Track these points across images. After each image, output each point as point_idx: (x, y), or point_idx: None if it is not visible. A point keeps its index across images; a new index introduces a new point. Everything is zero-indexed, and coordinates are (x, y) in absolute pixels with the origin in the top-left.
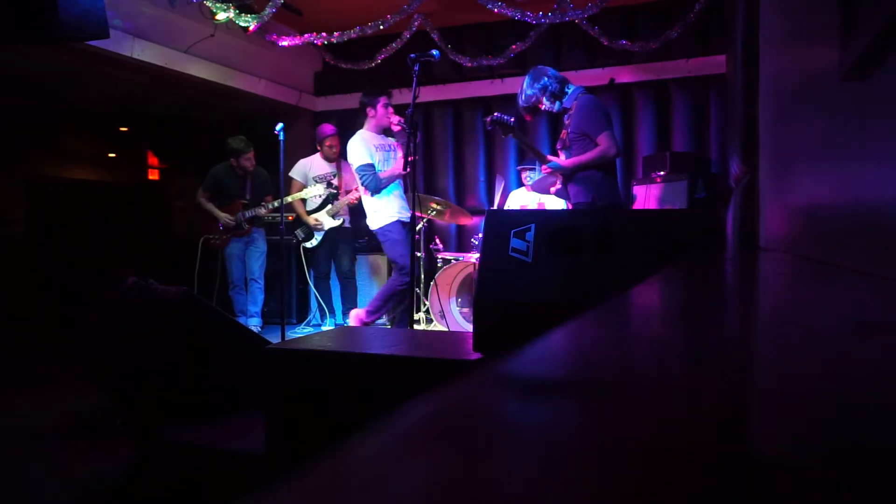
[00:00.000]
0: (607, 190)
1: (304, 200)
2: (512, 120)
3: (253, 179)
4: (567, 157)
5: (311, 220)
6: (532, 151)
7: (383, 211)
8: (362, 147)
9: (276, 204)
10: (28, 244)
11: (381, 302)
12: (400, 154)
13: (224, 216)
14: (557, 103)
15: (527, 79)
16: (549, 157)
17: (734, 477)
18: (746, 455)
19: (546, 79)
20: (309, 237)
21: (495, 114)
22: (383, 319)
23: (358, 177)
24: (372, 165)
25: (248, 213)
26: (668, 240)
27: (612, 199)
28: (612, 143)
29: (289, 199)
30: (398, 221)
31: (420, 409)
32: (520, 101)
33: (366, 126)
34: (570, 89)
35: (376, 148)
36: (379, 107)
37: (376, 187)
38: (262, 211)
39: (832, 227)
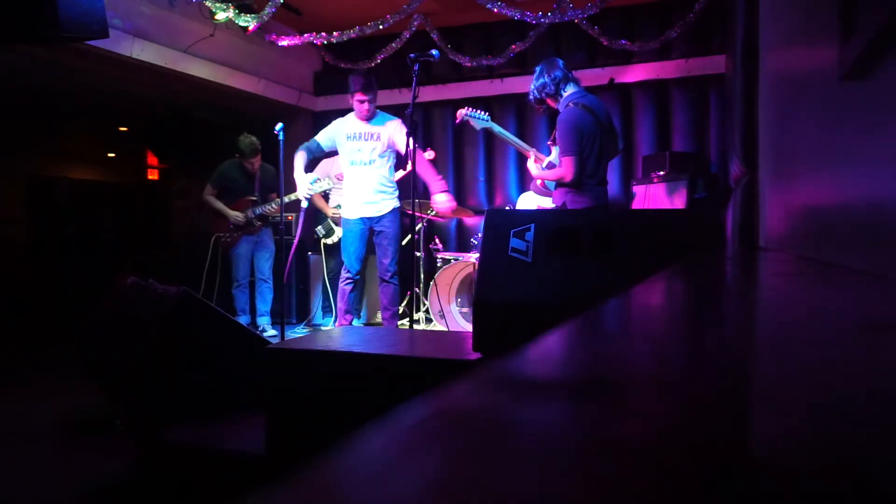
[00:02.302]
0: (576, 195)
1: (326, 197)
2: (486, 114)
3: (261, 176)
4: (556, 153)
5: (330, 211)
6: (513, 143)
7: (344, 205)
8: (328, 129)
9: (288, 199)
10: (28, 244)
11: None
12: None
13: (234, 214)
14: (556, 100)
15: (536, 71)
16: (529, 155)
17: (734, 477)
18: (746, 455)
19: (545, 78)
20: (329, 233)
21: (466, 108)
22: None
23: None
24: (309, 148)
25: (257, 210)
26: (668, 240)
27: (584, 204)
28: (570, 170)
29: (290, 197)
30: (358, 219)
31: (420, 409)
32: (529, 96)
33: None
34: (567, 91)
35: (349, 136)
36: (353, 100)
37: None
38: (273, 208)
39: (832, 227)
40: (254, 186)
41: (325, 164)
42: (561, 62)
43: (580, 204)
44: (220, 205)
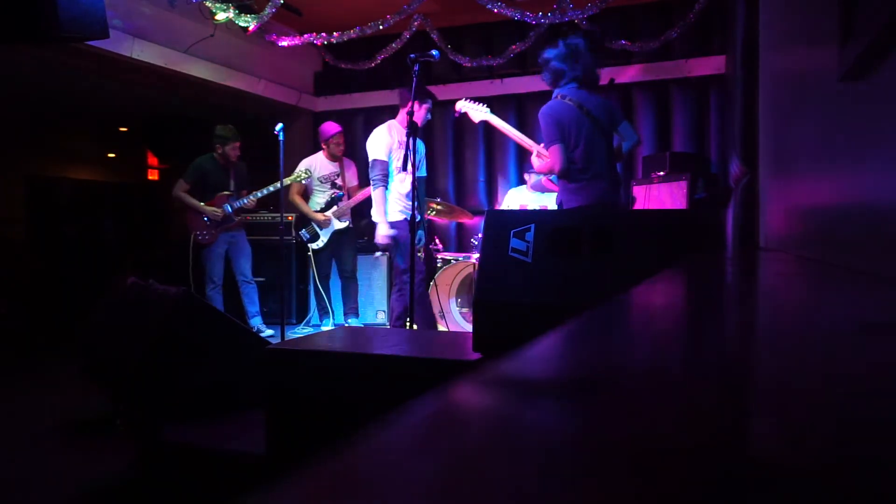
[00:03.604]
0: (571, 192)
1: (307, 200)
2: (485, 106)
3: (236, 172)
4: None
5: (320, 217)
6: (516, 138)
7: (397, 210)
8: (385, 139)
9: (265, 192)
10: (28, 244)
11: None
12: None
13: (211, 210)
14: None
15: (558, 46)
16: (534, 150)
17: (733, 477)
18: (745, 456)
19: (544, 73)
20: (314, 238)
21: (465, 99)
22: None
23: (370, 168)
24: (386, 175)
25: (236, 204)
26: (668, 240)
27: (580, 202)
28: (556, 159)
29: (288, 181)
30: (404, 220)
31: (420, 409)
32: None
33: (397, 118)
34: (560, 87)
35: (399, 144)
36: (422, 109)
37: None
38: (251, 200)
39: (832, 227)
40: (229, 181)
41: (303, 166)
42: (580, 67)
43: (574, 202)
44: (194, 201)
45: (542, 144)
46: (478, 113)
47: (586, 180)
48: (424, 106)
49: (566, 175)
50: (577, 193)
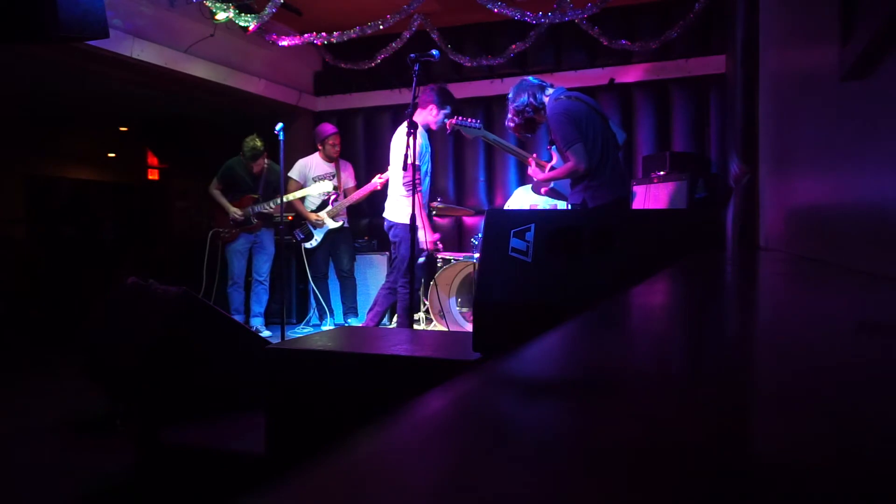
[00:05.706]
0: (596, 190)
1: (302, 199)
2: (476, 122)
3: (266, 175)
4: (558, 157)
5: (313, 217)
6: (509, 151)
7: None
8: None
9: (288, 198)
10: (28, 244)
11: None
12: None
13: (234, 210)
14: (543, 113)
15: (510, 98)
16: (530, 161)
17: (734, 477)
18: (746, 455)
19: (523, 97)
20: (308, 237)
21: (456, 118)
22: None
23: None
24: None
25: (257, 208)
26: (668, 240)
27: (606, 198)
28: (581, 159)
29: (290, 196)
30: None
31: (420, 409)
32: (508, 125)
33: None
34: (548, 93)
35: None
36: (443, 114)
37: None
38: (272, 207)
39: (832, 227)
40: (258, 185)
41: (299, 166)
42: (530, 77)
43: (602, 198)
44: (223, 200)
45: (535, 154)
46: (471, 131)
47: (609, 174)
48: (442, 112)
49: (593, 172)
50: (603, 189)
